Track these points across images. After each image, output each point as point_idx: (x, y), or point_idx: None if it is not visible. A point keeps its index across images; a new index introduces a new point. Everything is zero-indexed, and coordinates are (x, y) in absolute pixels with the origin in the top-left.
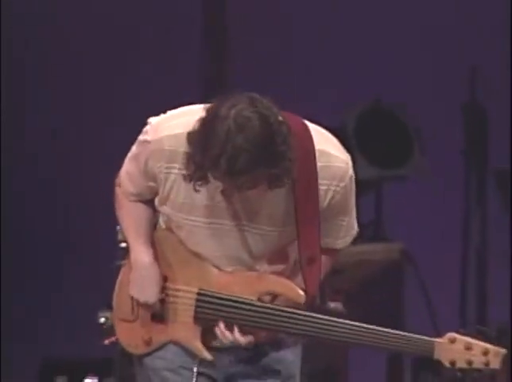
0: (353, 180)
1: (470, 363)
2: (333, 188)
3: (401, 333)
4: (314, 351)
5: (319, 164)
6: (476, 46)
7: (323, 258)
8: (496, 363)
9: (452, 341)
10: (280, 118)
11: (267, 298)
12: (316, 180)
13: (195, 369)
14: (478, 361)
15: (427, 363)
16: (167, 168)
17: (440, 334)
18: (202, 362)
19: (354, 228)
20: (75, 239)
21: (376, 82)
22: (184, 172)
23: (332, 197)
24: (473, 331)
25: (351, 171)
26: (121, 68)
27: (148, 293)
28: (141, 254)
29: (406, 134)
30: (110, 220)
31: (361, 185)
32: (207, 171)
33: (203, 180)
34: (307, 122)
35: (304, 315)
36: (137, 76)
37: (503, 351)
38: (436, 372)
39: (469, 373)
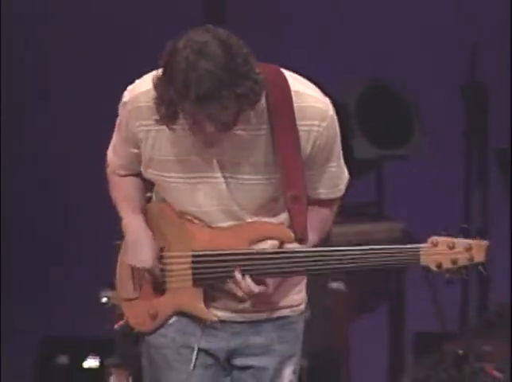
0: (335, 122)
1: (455, 261)
2: (315, 128)
3: (384, 246)
4: (315, 330)
5: (295, 105)
6: (476, 26)
7: (324, 210)
8: (480, 256)
9: (435, 243)
10: (239, 41)
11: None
12: (295, 121)
13: (195, 349)
14: (462, 258)
15: (428, 341)
16: (146, 125)
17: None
18: (203, 339)
19: (345, 174)
20: (75, 235)
21: (376, 63)
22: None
23: (316, 139)
24: (456, 232)
25: (331, 112)
26: (121, 67)
27: (142, 257)
28: (132, 221)
29: (407, 114)
30: (111, 217)
31: (362, 164)
32: (177, 106)
33: (175, 116)
34: (282, 69)
35: (294, 251)
36: (137, 76)
37: (485, 242)
38: (437, 350)
39: (456, 273)
